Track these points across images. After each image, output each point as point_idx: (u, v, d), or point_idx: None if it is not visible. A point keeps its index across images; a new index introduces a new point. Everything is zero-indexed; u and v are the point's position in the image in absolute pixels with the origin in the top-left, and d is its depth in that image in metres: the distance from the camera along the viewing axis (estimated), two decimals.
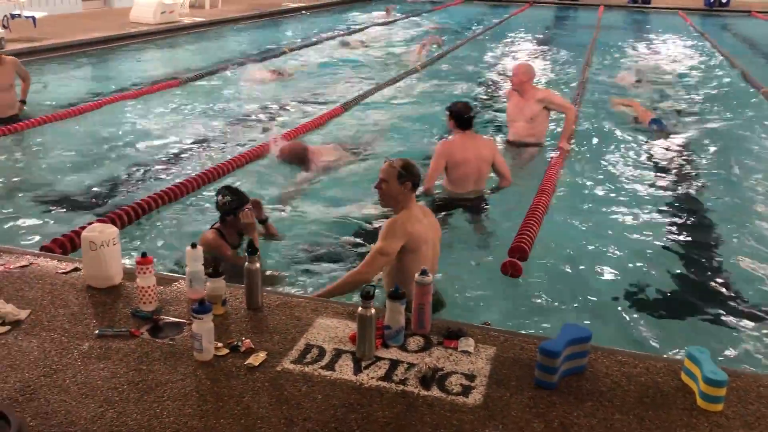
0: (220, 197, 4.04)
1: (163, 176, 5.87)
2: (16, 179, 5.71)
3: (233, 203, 4.00)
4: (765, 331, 3.75)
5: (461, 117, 5.27)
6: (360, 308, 2.60)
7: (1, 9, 12.12)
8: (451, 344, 2.75)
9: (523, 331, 3.06)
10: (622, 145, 7.24)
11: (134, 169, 6.04)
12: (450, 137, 5.40)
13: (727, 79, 11.13)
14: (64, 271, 3.30)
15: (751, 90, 10.21)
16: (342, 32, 15.39)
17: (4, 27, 11.02)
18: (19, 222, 4.84)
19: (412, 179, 3.48)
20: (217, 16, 16.26)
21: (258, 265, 2.97)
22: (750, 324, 3.82)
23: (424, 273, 2.80)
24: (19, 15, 11.88)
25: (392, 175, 3.48)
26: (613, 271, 4.43)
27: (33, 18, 11.96)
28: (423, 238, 3.44)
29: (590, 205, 5.60)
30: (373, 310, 2.60)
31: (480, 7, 22.84)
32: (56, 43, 11.44)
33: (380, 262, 3.42)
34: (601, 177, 6.27)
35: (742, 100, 9.50)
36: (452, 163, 5.23)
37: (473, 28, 16.88)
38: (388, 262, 3.42)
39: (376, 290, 3.04)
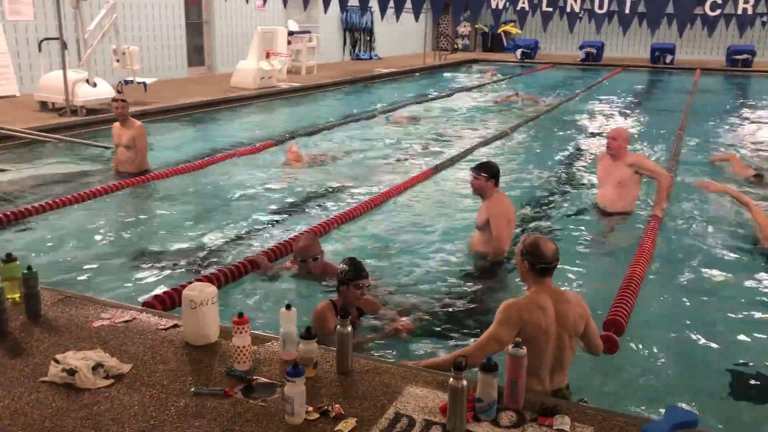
0: (341, 265, 4.07)
1: (262, 237, 6.04)
2: (123, 234, 6.03)
3: (349, 274, 4.01)
4: None
5: (498, 175, 5.37)
6: (452, 379, 2.55)
7: (116, 76, 13.09)
8: (546, 421, 2.65)
9: (622, 411, 2.90)
10: (721, 213, 6.93)
11: (234, 229, 6.25)
12: (495, 197, 5.35)
13: None
14: (164, 327, 3.43)
15: None
16: (432, 96, 15.73)
17: (119, 92, 11.86)
18: (124, 276, 5.08)
19: (530, 259, 3.19)
20: (313, 81, 16.95)
21: (350, 329, 2.99)
22: None
23: (517, 345, 2.74)
24: (132, 81, 12.78)
25: (519, 250, 3.29)
26: (718, 348, 4.17)
27: (144, 83, 12.83)
28: (541, 329, 3.11)
29: (689, 276, 5.34)
30: (465, 382, 2.55)
31: (570, 72, 22.80)
32: (164, 107, 12.22)
33: (493, 348, 3.12)
34: (700, 247, 5.99)
35: None
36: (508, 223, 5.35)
37: (563, 92, 16.80)
38: (500, 350, 3.10)
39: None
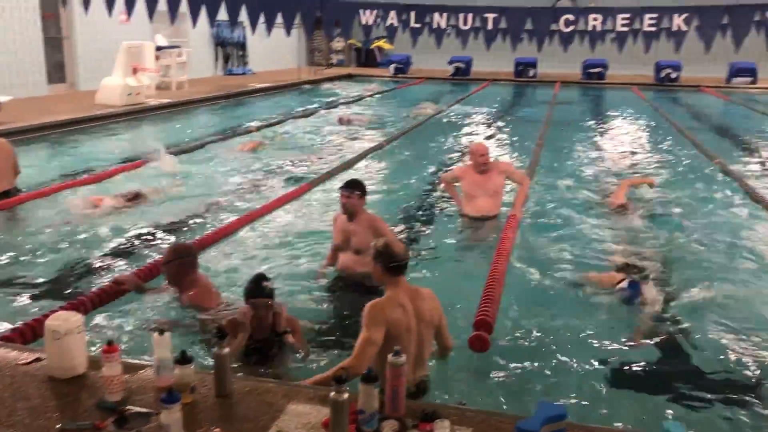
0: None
1: (128, 261, 5.77)
2: None
3: (247, 290, 3.89)
4: (739, 405, 3.76)
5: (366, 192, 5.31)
6: (333, 393, 2.56)
7: None
8: (427, 427, 2.70)
9: (499, 410, 3.03)
10: (577, 214, 7.45)
11: (99, 253, 5.93)
12: (369, 215, 5.31)
13: (682, 152, 11.54)
14: (25, 362, 3.19)
15: (706, 161, 10.59)
16: (308, 111, 15.71)
17: None
18: None
19: (384, 261, 3.41)
20: (184, 97, 16.48)
21: (227, 350, 2.92)
22: (724, 397, 3.82)
23: (397, 354, 2.78)
24: None
25: (372, 255, 3.48)
26: (579, 341, 4.43)
27: None
28: (403, 326, 3.33)
29: (548, 273, 5.65)
30: (346, 395, 2.56)
31: (441, 86, 23.56)
32: (23, 126, 11.43)
33: (370, 352, 3.27)
34: (556, 243, 6.38)
35: (699, 172, 9.83)
36: None
37: (435, 106, 17.30)
38: (377, 350, 3.27)
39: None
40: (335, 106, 16.73)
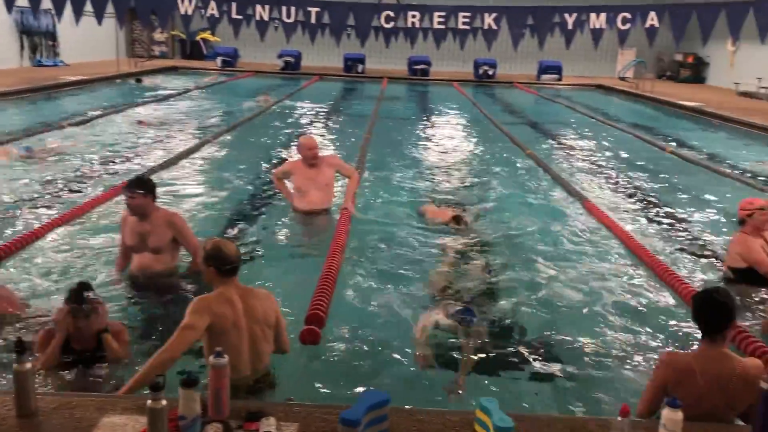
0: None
1: None
2: None
3: (67, 301, 3.62)
4: (543, 374, 4.06)
5: (155, 189, 5.12)
6: (149, 401, 2.43)
7: None
8: (252, 426, 2.65)
9: (325, 403, 3.04)
10: (406, 206, 7.70)
11: None
12: (164, 213, 5.14)
13: (497, 144, 12.31)
14: None
15: (519, 152, 11.39)
16: (129, 105, 14.82)
17: None
18: None
19: (216, 263, 3.41)
20: None
21: (29, 366, 2.67)
22: (530, 368, 4.12)
23: (219, 355, 2.70)
24: None
25: (203, 258, 3.46)
26: (408, 330, 4.57)
27: None
28: (230, 321, 3.34)
29: (379, 265, 5.76)
30: (164, 402, 2.44)
31: (271, 80, 23.31)
32: None
33: (187, 337, 3.28)
34: (387, 233, 6.55)
35: (512, 162, 10.55)
36: None
37: (263, 101, 17.06)
38: (196, 338, 3.30)
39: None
40: (157, 101, 15.95)
